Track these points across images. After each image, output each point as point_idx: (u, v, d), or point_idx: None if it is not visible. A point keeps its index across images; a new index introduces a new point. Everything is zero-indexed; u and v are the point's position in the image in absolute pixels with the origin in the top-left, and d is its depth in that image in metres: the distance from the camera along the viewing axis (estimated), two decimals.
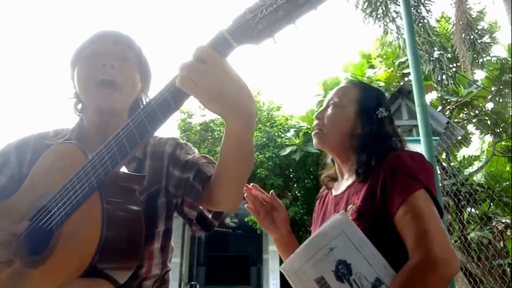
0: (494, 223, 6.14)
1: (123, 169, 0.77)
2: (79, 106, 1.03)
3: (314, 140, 1.12)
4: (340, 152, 1.10)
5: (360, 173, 1.01)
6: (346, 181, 1.09)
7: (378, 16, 6.19)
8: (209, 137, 9.53)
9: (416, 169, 0.92)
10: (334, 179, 1.19)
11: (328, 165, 1.24)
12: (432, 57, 6.36)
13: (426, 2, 6.20)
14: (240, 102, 0.66)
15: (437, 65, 6.29)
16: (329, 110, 1.10)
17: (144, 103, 1.03)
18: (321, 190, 1.27)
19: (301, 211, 8.77)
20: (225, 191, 0.83)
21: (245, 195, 1.17)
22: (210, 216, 0.96)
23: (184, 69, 0.64)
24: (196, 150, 1.03)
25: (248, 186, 1.17)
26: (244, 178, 0.82)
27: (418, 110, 2.48)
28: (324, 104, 1.14)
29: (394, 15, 6.14)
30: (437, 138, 5.89)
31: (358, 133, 1.06)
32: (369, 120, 1.07)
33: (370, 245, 0.88)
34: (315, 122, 1.12)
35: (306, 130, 9.04)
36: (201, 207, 0.94)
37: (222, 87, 0.64)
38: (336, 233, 0.90)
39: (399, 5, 5.93)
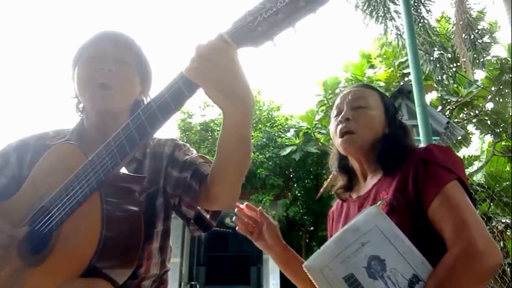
0: (494, 223, 6.14)
1: (123, 170, 0.78)
2: (81, 105, 1.04)
3: (346, 145, 1.05)
4: (368, 153, 1.06)
5: (387, 165, 1.00)
6: (370, 181, 1.07)
7: (378, 16, 6.18)
8: (209, 137, 9.54)
9: (447, 161, 0.91)
10: (347, 189, 1.16)
11: (337, 176, 1.20)
12: (432, 57, 6.35)
13: (426, 2, 6.20)
14: (244, 95, 0.67)
15: (437, 65, 6.28)
16: (361, 113, 1.07)
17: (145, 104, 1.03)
18: (332, 208, 1.24)
19: (301, 211, 8.78)
20: (222, 186, 0.82)
21: (234, 219, 1.16)
22: (208, 216, 0.96)
23: (196, 60, 0.65)
24: (194, 151, 1.03)
25: (240, 206, 1.15)
26: (242, 174, 0.82)
27: (418, 110, 2.48)
28: (345, 106, 1.09)
29: (394, 15, 6.14)
30: (437, 138, 5.88)
31: (386, 134, 1.07)
32: (394, 122, 1.09)
33: (406, 240, 0.83)
34: (343, 124, 1.06)
35: (306, 130, 9.05)
36: (198, 207, 0.94)
37: (232, 78, 0.65)
38: (369, 227, 0.85)
39: (399, 5, 5.93)
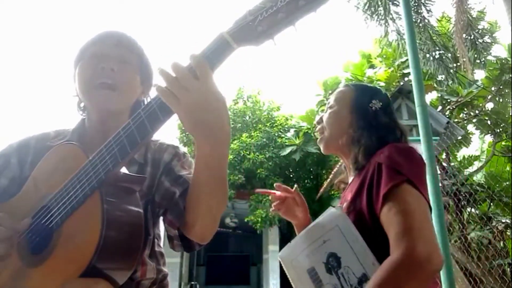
0: (494, 223, 6.14)
1: (124, 170, 0.78)
2: (82, 104, 1.04)
3: (320, 146, 1.15)
4: (344, 150, 1.12)
5: (355, 167, 1.04)
6: (350, 180, 1.12)
7: (379, 17, 6.17)
8: None
9: (399, 162, 0.90)
10: (347, 183, 1.20)
11: (341, 170, 1.27)
12: (433, 57, 6.34)
13: (427, 2, 6.19)
14: (216, 128, 0.67)
15: (440, 64, 6.26)
16: (327, 113, 1.15)
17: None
18: None
19: None
20: (194, 216, 0.81)
21: (270, 197, 1.24)
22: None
23: (171, 83, 0.64)
24: (192, 165, 1.00)
25: (271, 192, 1.23)
26: (216, 209, 0.80)
27: (418, 110, 2.48)
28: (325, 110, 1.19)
29: (395, 16, 6.13)
30: (437, 138, 5.88)
31: (354, 127, 1.08)
32: (363, 114, 1.08)
33: (361, 241, 0.88)
34: (317, 127, 1.16)
35: (306, 130, 9.05)
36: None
37: (204, 109, 0.65)
38: (331, 226, 0.92)
39: (399, 6, 5.92)
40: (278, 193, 1.21)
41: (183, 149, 1.04)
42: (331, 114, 1.13)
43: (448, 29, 7.28)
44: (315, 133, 1.18)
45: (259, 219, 8.10)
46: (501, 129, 7.87)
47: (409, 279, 0.77)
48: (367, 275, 0.85)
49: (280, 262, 1.02)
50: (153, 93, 1.05)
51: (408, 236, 0.80)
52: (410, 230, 0.80)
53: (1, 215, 0.78)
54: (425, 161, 2.34)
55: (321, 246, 0.93)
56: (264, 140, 9.11)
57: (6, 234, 0.76)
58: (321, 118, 1.16)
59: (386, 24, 6.17)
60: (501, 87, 7.65)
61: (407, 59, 6.25)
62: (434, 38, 6.27)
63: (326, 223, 0.94)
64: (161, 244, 1.02)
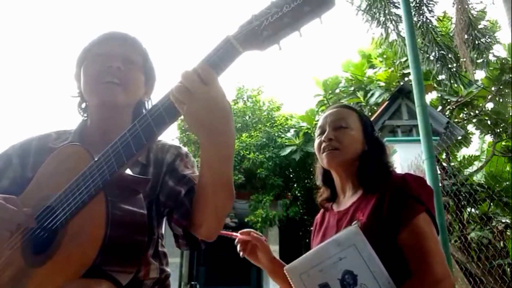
0: (494, 223, 6.14)
1: (128, 172, 0.78)
2: (83, 105, 1.04)
3: (329, 159, 1.16)
4: (347, 170, 1.17)
5: (367, 184, 1.11)
6: (349, 198, 1.17)
7: (380, 20, 6.15)
8: None
9: (420, 192, 1.02)
10: (330, 200, 1.27)
11: (322, 188, 1.31)
12: (436, 57, 6.31)
13: (429, 2, 6.17)
14: (222, 129, 0.68)
15: (442, 64, 6.24)
16: (342, 132, 1.17)
17: (147, 106, 1.04)
18: (317, 215, 1.35)
19: (301, 211, 8.79)
20: (200, 216, 0.82)
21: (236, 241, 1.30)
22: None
23: (179, 87, 0.66)
24: (195, 164, 1.02)
25: (235, 234, 1.30)
26: (222, 209, 0.81)
27: (418, 110, 2.49)
28: (327, 127, 1.20)
29: (396, 17, 6.11)
30: (437, 138, 5.88)
31: (365, 151, 1.17)
32: (371, 140, 1.19)
33: (377, 261, 0.94)
34: (327, 143, 1.17)
35: (306, 130, 9.05)
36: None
37: (211, 114, 0.66)
38: (348, 245, 0.96)
39: (399, 8, 5.91)
40: (240, 236, 1.28)
41: (185, 149, 1.05)
42: (349, 135, 1.17)
43: (449, 29, 7.27)
44: (322, 147, 1.18)
45: (259, 219, 8.11)
46: (501, 129, 7.86)
47: None
48: None
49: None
50: (154, 96, 1.06)
51: (428, 259, 0.93)
52: (430, 255, 0.94)
53: (12, 197, 0.77)
54: (425, 161, 2.36)
55: (336, 263, 0.96)
56: (264, 140, 9.12)
57: (13, 214, 0.75)
58: (331, 135, 1.17)
59: (388, 25, 6.16)
60: (501, 87, 7.64)
61: (407, 59, 6.24)
62: (436, 38, 6.25)
63: (343, 241, 0.98)
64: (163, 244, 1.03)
